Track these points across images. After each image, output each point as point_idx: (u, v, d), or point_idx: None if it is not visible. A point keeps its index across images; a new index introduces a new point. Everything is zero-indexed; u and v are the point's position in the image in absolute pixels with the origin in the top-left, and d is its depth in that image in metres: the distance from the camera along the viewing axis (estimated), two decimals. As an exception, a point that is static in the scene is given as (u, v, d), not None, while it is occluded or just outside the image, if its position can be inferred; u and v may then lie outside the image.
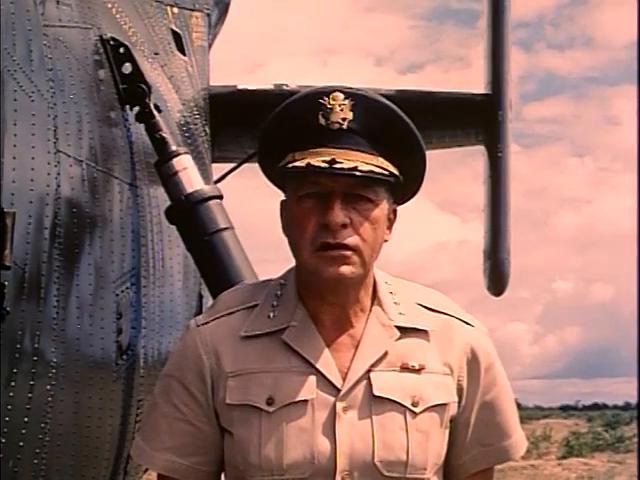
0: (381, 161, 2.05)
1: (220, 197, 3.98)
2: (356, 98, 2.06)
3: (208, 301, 4.55)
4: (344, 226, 2.02)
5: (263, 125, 2.15)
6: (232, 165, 5.99)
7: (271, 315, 2.10)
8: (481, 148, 6.81)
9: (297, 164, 2.03)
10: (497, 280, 6.54)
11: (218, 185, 5.00)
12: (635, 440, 24.74)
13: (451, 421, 2.12)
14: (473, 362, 2.14)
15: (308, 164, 2.01)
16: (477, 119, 6.69)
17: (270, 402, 2.03)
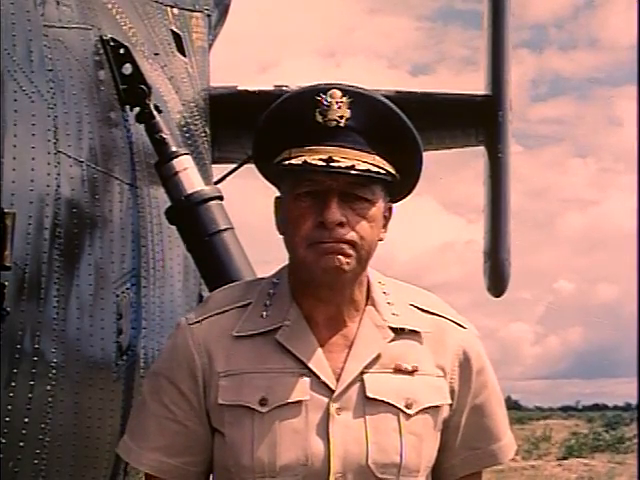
0: (378, 160, 2.04)
1: (220, 198, 3.98)
2: (354, 96, 2.05)
3: (208, 302, 4.55)
4: (340, 224, 2.01)
5: (259, 120, 2.14)
6: (232, 166, 5.98)
7: (264, 314, 2.09)
8: (483, 149, 6.81)
9: (293, 161, 2.02)
10: (497, 281, 6.53)
11: (218, 186, 4.99)
12: (635, 441, 24.72)
13: (443, 423, 2.12)
14: (465, 365, 2.14)
15: (305, 162, 2.01)
16: (477, 120, 6.69)
17: (263, 403, 2.02)
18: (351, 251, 2.03)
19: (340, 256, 2.02)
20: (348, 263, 2.03)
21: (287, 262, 2.14)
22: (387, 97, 2.12)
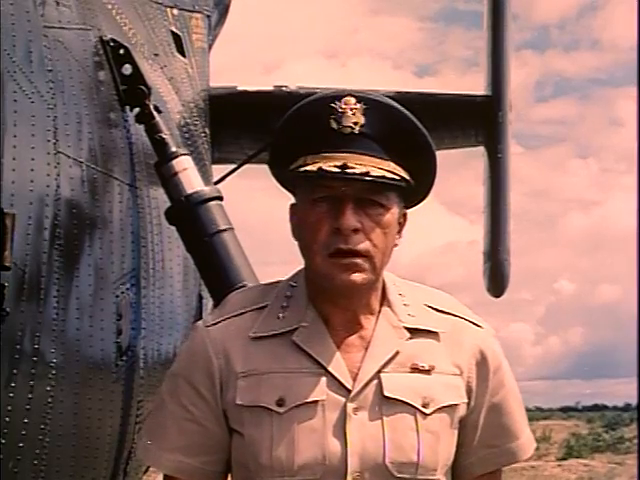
0: (393, 166, 2.06)
1: (220, 198, 3.98)
2: (368, 102, 2.07)
3: (208, 302, 4.56)
4: (355, 231, 2.03)
5: (275, 127, 2.16)
6: (232, 166, 5.99)
7: (281, 316, 2.11)
8: (483, 149, 6.80)
9: (309, 168, 2.04)
10: (497, 281, 6.54)
11: (218, 186, 5.00)
12: (635, 441, 24.74)
13: (460, 422, 2.13)
14: (482, 364, 2.15)
15: (320, 168, 2.02)
16: (477, 120, 6.69)
17: (280, 403, 2.03)
18: (366, 264, 2.05)
19: (355, 274, 2.04)
20: (363, 278, 2.05)
21: (297, 266, 2.16)
22: (387, 97, 2.13)
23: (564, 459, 24.59)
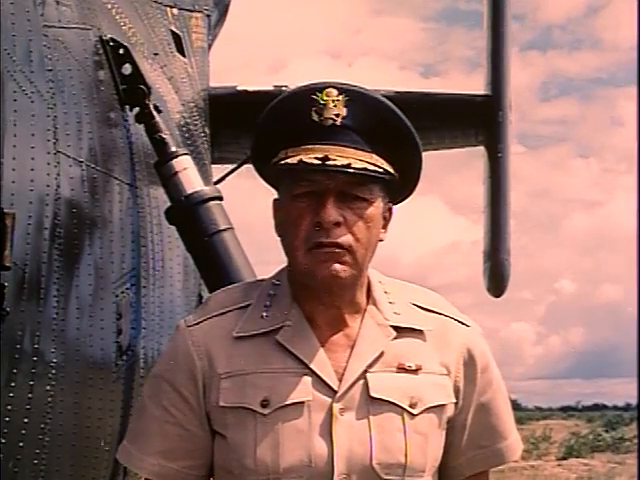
0: (375, 158, 2.01)
1: (220, 198, 3.98)
2: (350, 94, 2.02)
3: (208, 302, 4.55)
4: (337, 224, 1.98)
5: (257, 121, 2.12)
6: (232, 166, 5.99)
7: (264, 315, 2.06)
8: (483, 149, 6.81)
9: (289, 161, 2.00)
10: (497, 281, 6.54)
11: (218, 186, 4.99)
12: (635, 441, 24.74)
13: (448, 422, 2.09)
14: (469, 363, 2.11)
15: (300, 160, 1.98)
16: (477, 120, 6.69)
17: (265, 404, 1.99)
18: (347, 257, 2.00)
19: (336, 264, 1.99)
20: (345, 270, 2.00)
21: (286, 264, 2.13)
22: (387, 97, 2.09)
23: (564, 459, 24.56)
